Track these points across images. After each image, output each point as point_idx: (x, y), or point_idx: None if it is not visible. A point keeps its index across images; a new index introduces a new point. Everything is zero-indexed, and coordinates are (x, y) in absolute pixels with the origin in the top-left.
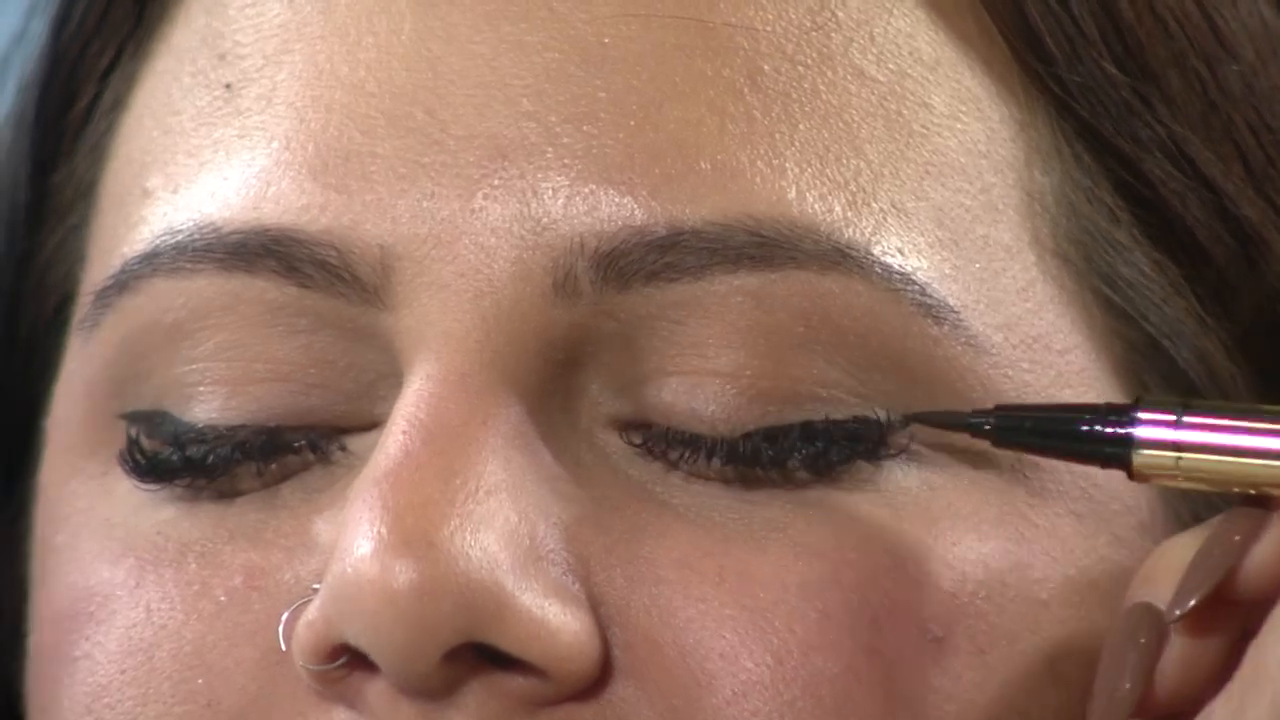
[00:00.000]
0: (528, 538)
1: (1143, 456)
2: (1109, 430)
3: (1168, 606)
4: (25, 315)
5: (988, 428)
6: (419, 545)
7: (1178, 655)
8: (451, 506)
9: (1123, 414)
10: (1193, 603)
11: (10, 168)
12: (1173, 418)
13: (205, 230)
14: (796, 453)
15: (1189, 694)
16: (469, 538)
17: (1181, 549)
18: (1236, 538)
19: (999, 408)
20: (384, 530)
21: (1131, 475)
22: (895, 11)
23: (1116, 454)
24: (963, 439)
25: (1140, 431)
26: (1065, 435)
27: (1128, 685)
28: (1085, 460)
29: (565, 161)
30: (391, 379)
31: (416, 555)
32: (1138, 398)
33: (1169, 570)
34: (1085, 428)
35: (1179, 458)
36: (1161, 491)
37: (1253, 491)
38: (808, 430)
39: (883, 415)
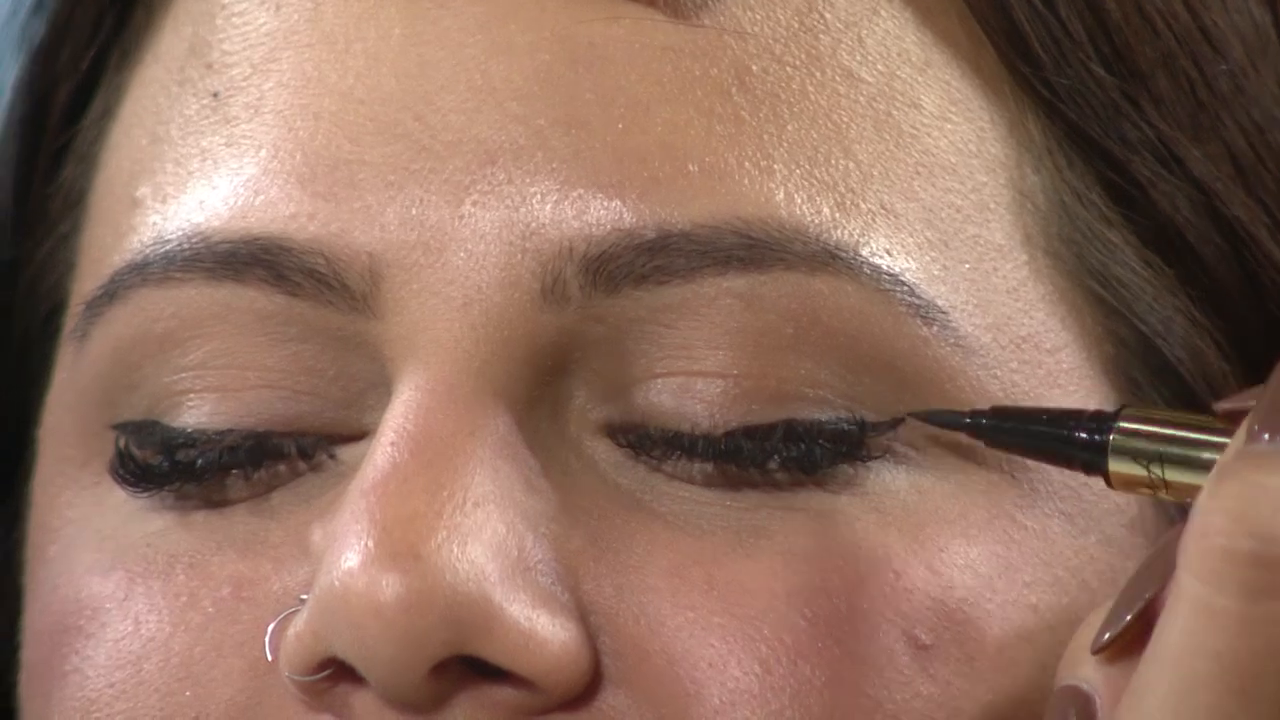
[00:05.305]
0: (515, 549)
1: (1118, 465)
2: (1087, 437)
3: (1093, 641)
4: (15, 324)
5: (985, 423)
6: (406, 558)
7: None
8: (439, 519)
9: (1103, 421)
10: (1108, 636)
11: None
12: (1151, 428)
13: (194, 239)
14: (778, 453)
15: None
16: (456, 550)
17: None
18: (1161, 566)
19: (995, 409)
20: (371, 543)
21: (1110, 483)
22: (882, 14)
23: (1095, 461)
24: (953, 439)
25: (1117, 440)
26: (1053, 439)
27: None
28: (1070, 466)
29: (553, 166)
30: (381, 388)
31: (403, 568)
32: (1122, 405)
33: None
34: (1071, 433)
35: (1150, 469)
36: None
37: None
38: (791, 430)
39: (868, 416)
